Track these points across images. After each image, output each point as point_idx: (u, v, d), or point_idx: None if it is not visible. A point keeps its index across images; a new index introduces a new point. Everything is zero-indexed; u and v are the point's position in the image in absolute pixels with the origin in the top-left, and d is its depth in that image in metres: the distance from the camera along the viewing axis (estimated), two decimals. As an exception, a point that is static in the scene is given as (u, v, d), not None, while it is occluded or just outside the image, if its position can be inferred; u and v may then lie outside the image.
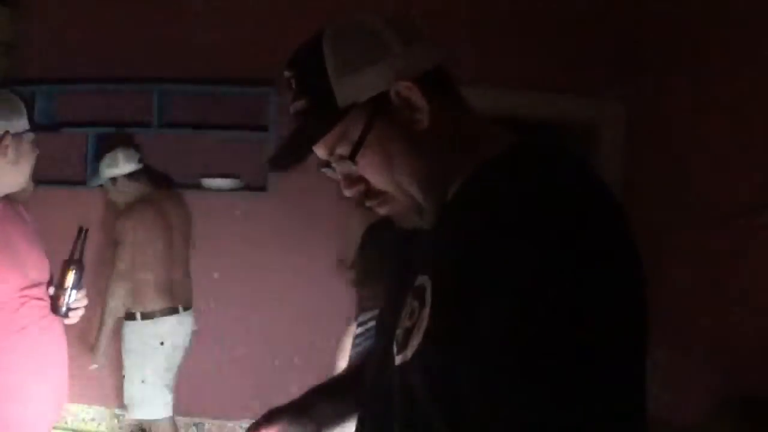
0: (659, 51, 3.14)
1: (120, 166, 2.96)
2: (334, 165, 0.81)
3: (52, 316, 1.71)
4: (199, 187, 3.42)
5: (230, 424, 3.53)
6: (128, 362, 2.98)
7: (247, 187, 3.44)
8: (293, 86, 0.81)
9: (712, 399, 1.75)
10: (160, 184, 3.20)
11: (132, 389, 2.98)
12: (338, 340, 2.19)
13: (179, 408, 3.54)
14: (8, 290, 1.59)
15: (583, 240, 0.66)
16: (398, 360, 0.77)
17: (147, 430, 3.09)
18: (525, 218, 0.67)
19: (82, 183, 3.46)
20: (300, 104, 0.80)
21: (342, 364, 2.06)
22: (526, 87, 3.30)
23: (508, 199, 0.70)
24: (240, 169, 3.46)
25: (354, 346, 1.89)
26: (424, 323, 0.73)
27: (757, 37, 2.40)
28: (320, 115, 0.78)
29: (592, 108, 3.36)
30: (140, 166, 3.04)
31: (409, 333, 0.75)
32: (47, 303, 1.72)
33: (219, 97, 3.52)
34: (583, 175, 0.73)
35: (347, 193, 0.82)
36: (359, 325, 1.87)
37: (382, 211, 0.83)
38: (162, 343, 2.95)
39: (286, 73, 0.81)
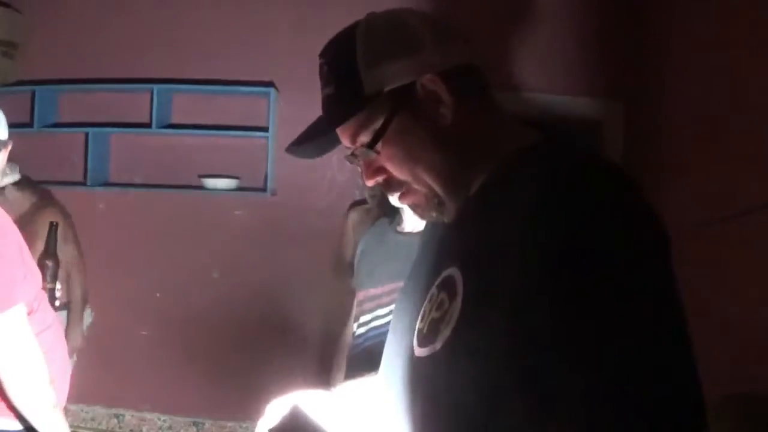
0: (659, 51, 3.14)
1: (9, 175, 2.71)
2: (356, 153, 0.81)
3: (55, 316, 1.73)
4: (199, 187, 3.43)
5: (230, 424, 3.53)
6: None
7: (247, 187, 3.45)
8: (324, 72, 0.82)
9: (712, 397, 1.76)
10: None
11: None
12: (338, 341, 2.19)
13: (180, 408, 3.55)
14: (35, 292, 1.60)
15: (620, 231, 0.65)
16: (425, 352, 0.76)
17: None
18: (557, 209, 0.67)
19: (82, 183, 3.46)
20: (328, 90, 0.82)
21: (341, 364, 2.06)
22: (526, 88, 3.30)
23: (538, 189, 0.69)
24: (240, 169, 3.47)
25: (354, 347, 1.89)
26: (455, 313, 0.72)
27: (757, 38, 2.40)
28: (345, 101, 0.79)
29: (592, 108, 3.36)
30: (20, 176, 2.78)
31: (438, 323, 0.74)
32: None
33: (219, 97, 3.52)
34: (609, 168, 0.72)
35: (368, 182, 0.83)
36: (360, 325, 1.86)
37: (403, 202, 0.84)
38: None
39: (320, 60, 0.83)
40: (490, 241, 0.73)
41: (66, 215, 2.95)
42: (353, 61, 0.78)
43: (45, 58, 3.50)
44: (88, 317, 3.10)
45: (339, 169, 3.40)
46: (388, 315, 1.69)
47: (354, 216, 2.97)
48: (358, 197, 3.18)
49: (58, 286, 1.85)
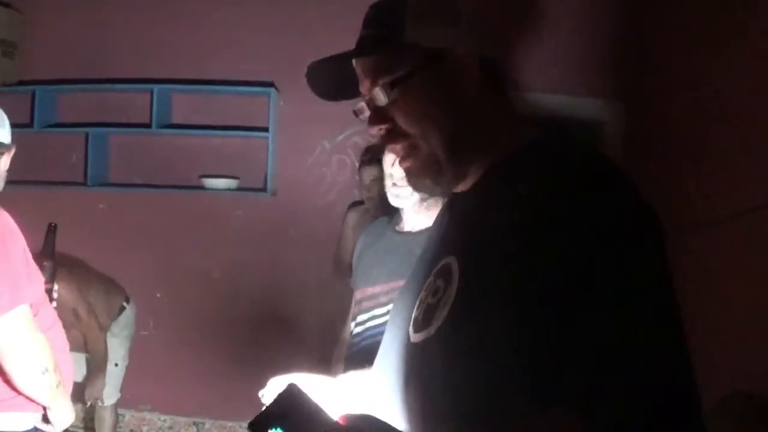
0: (660, 51, 3.14)
1: None
2: (375, 92, 0.82)
3: (55, 316, 1.74)
4: (199, 187, 3.42)
5: (230, 424, 3.53)
6: (122, 350, 3.11)
7: (247, 187, 3.45)
8: (369, 17, 0.85)
9: (712, 397, 1.75)
10: None
11: (119, 376, 3.11)
12: (337, 341, 2.19)
13: (180, 408, 3.55)
14: (39, 294, 1.61)
15: (619, 227, 0.67)
16: (419, 337, 0.77)
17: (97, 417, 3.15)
18: (557, 206, 0.68)
19: (82, 183, 3.46)
20: (367, 31, 0.85)
21: (340, 363, 2.06)
22: (527, 88, 3.30)
23: (539, 185, 0.71)
24: (240, 169, 3.47)
25: (353, 345, 1.89)
26: (450, 300, 0.73)
27: (756, 37, 2.40)
28: (383, 39, 0.82)
29: (592, 108, 3.36)
30: None
31: (433, 309, 0.76)
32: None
33: (219, 97, 3.52)
34: (608, 166, 0.74)
35: (372, 130, 0.84)
36: (357, 325, 1.86)
37: (401, 164, 0.85)
38: None
39: (367, 12, 0.86)
40: (489, 234, 0.74)
41: (120, 298, 3.08)
42: (402, 12, 0.81)
43: (45, 58, 3.51)
44: (130, 310, 3.16)
45: (339, 169, 3.41)
46: (386, 315, 1.69)
47: (352, 216, 2.97)
48: (357, 197, 3.19)
49: (56, 287, 1.87)
